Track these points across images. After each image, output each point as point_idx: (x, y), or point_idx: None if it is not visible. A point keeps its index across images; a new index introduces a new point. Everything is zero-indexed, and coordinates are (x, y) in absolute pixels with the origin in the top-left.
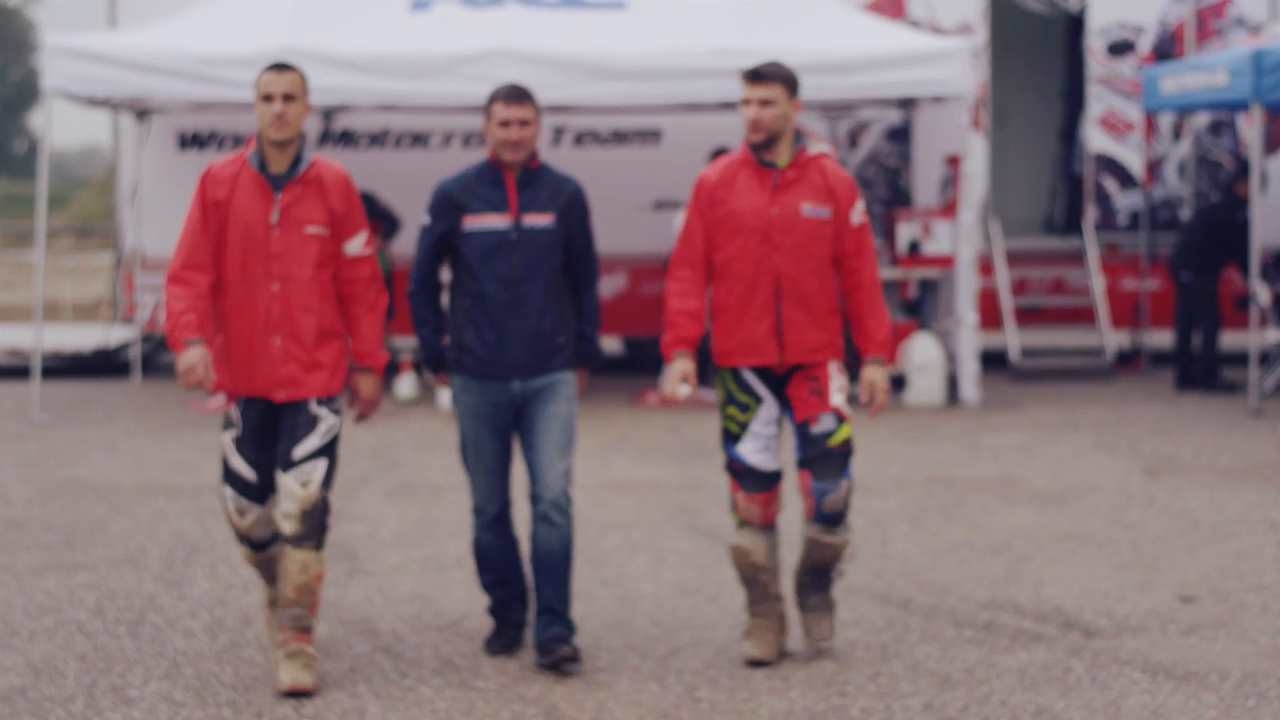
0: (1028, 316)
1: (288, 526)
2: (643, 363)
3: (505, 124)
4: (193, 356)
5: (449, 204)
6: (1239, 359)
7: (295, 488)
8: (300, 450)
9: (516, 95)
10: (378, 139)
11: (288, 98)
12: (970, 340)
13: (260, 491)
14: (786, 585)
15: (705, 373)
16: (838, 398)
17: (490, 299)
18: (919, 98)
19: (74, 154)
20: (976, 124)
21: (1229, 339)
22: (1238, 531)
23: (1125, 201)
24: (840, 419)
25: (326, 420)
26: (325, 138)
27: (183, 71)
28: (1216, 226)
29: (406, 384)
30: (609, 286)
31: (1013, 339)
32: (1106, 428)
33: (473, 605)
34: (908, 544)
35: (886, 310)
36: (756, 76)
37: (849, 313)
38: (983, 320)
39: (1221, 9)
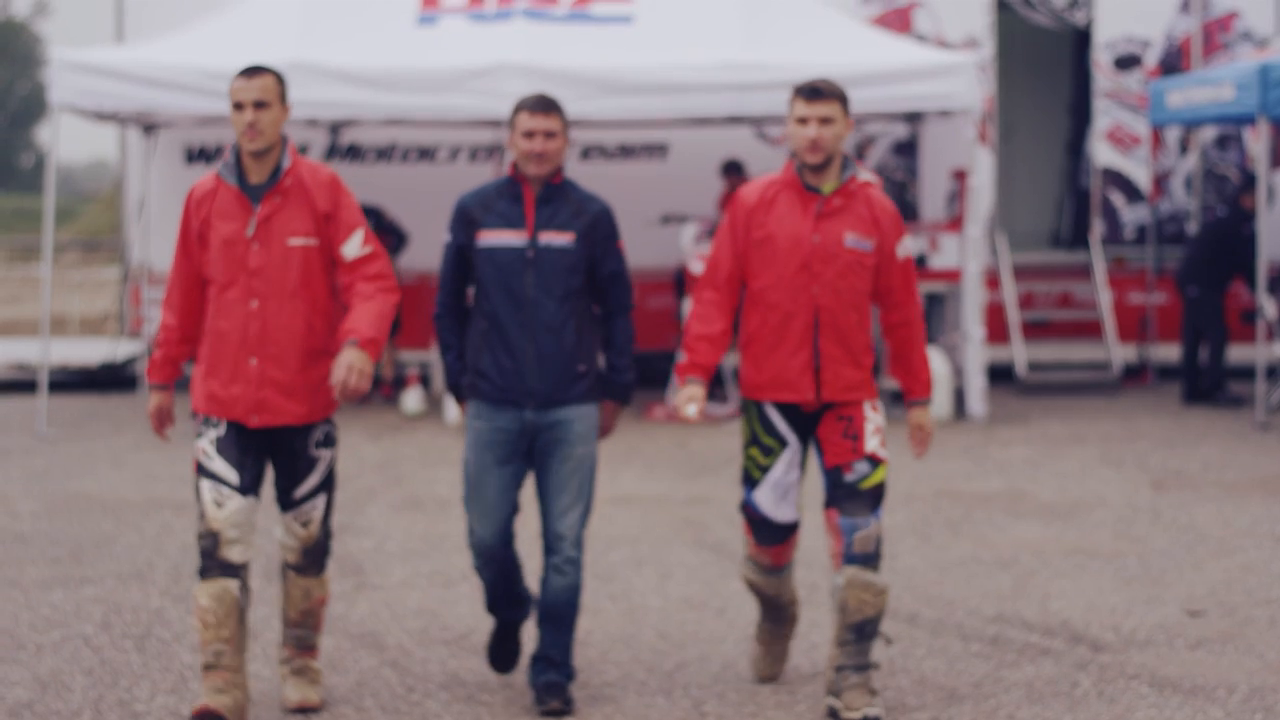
0: (1034, 330)
1: (291, 557)
2: (649, 377)
3: (529, 135)
4: (149, 405)
5: (465, 218)
6: (1245, 373)
7: (297, 528)
8: (302, 490)
9: (543, 105)
10: (385, 153)
11: (260, 105)
12: (977, 354)
13: (243, 487)
14: (799, 588)
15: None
16: (873, 442)
17: (503, 320)
18: (925, 112)
19: (81, 168)
20: (983, 138)
21: (1235, 353)
22: (1245, 545)
23: (1132, 215)
24: (875, 462)
25: (325, 458)
26: (332, 152)
27: (190, 86)
28: (1223, 240)
29: (414, 398)
30: None
31: (1019, 353)
32: (1113, 442)
33: (479, 620)
34: (915, 558)
35: (926, 349)
36: (815, 94)
37: (893, 350)
38: (989, 334)
39: (1228, 23)
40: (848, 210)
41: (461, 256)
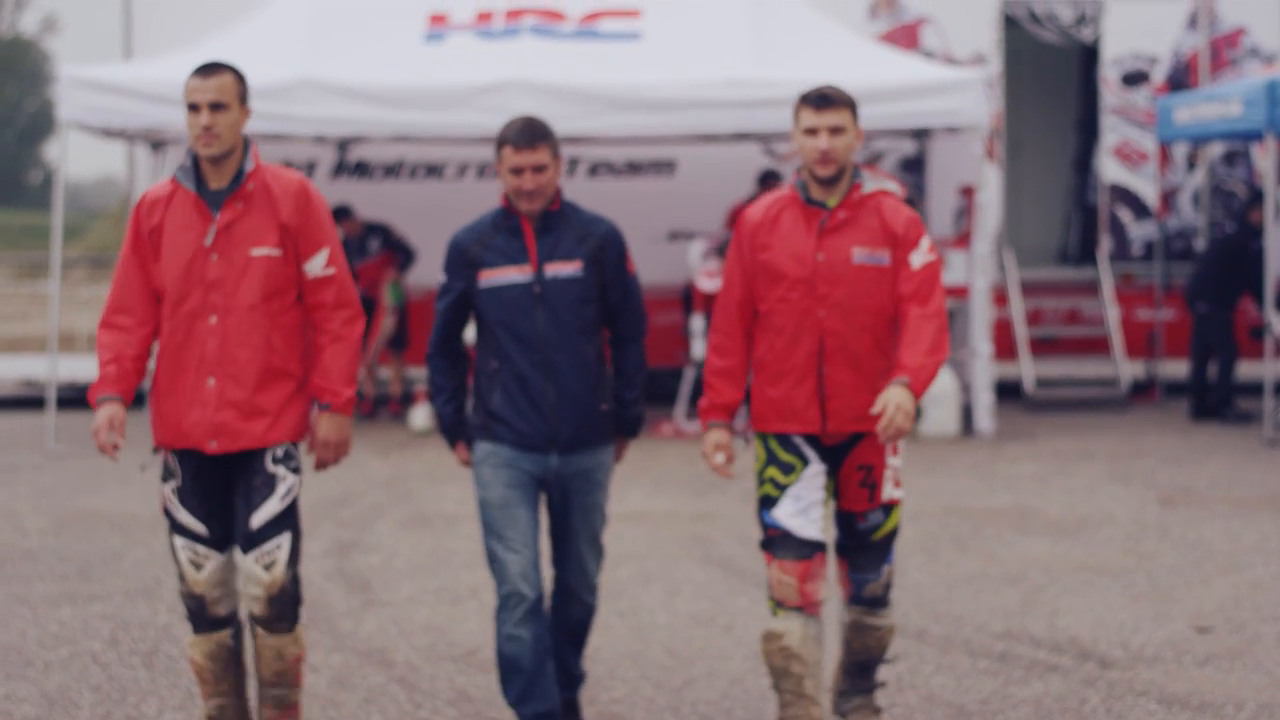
0: (1042, 347)
1: (256, 608)
2: (658, 393)
3: (517, 172)
4: (99, 417)
5: (463, 260)
6: (1254, 389)
7: (259, 572)
8: (259, 518)
9: (529, 138)
10: (392, 170)
11: (216, 106)
12: (985, 371)
13: (217, 543)
14: (826, 701)
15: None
16: (889, 489)
17: (517, 363)
18: (933, 128)
19: (89, 185)
20: (991, 154)
21: (1243, 369)
22: (1253, 562)
23: (1140, 232)
24: (889, 509)
25: (285, 480)
26: (340, 169)
27: None
28: (1232, 257)
29: (421, 415)
30: None
31: (1027, 369)
32: (1121, 458)
33: (487, 636)
34: (923, 574)
35: (940, 345)
36: (824, 101)
37: (902, 334)
38: (997, 351)
39: (1235, 39)
40: (855, 223)
41: (462, 301)
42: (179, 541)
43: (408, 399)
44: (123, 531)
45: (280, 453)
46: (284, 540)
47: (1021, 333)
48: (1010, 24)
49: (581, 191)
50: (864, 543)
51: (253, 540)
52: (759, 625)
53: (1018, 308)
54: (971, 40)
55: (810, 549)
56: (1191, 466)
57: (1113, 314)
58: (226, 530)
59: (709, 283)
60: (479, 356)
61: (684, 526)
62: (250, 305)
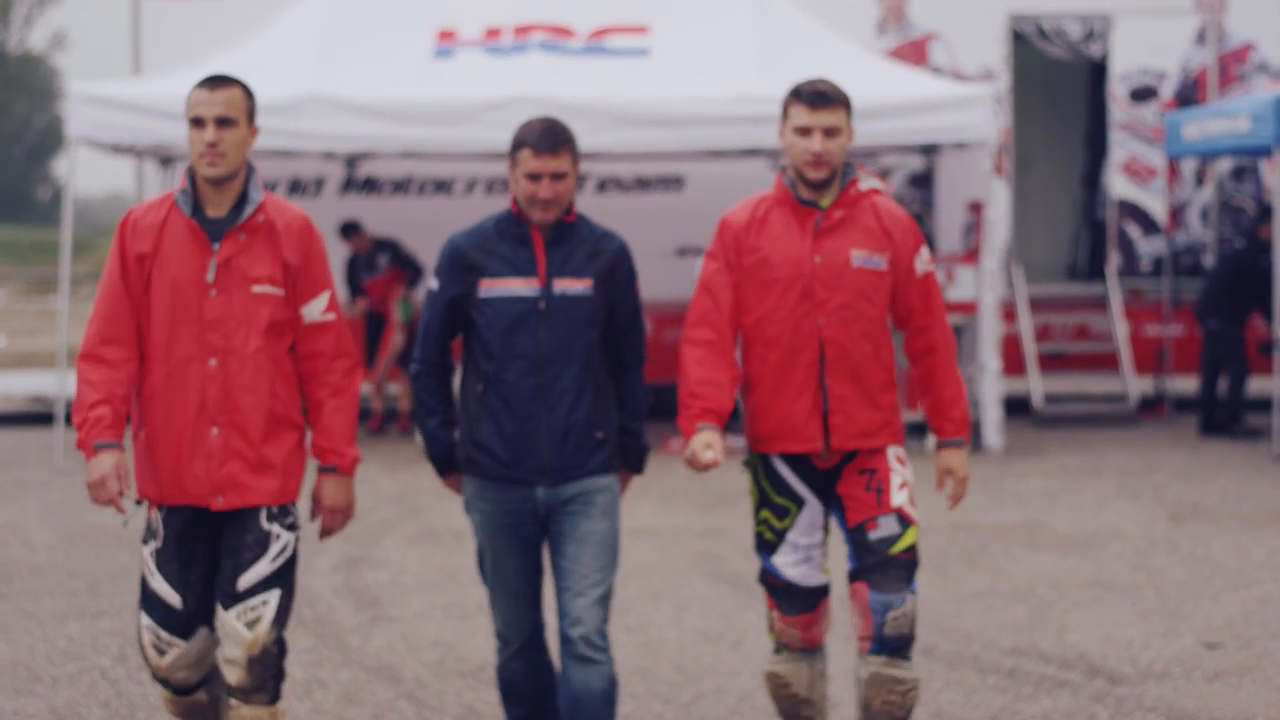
0: (1051, 362)
1: (233, 675)
2: (666, 409)
3: (534, 178)
4: (103, 466)
5: (462, 264)
6: (1262, 405)
7: (240, 629)
8: (246, 579)
9: (551, 142)
10: (401, 186)
11: (223, 121)
12: (993, 386)
13: (187, 622)
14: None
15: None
16: (900, 496)
17: (511, 384)
18: (941, 144)
19: (98, 201)
20: (999, 170)
21: (1253, 385)
22: (1262, 578)
23: (1148, 247)
24: (905, 521)
25: (280, 539)
26: (349, 184)
27: None
28: (1242, 273)
29: None
30: None
31: (1036, 385)
32: (1130, 474)
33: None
34: (931, 590)
35: (962, 379)
36: (820, 99)
37: (920, 381)
38: (1006, 366)
39: (1244, 55)
40: (852, 223)
41: (454, 309)
42: (144, 621)
43: (416, 415)
44: (131, 547)
45: (276, 508)
46: (271, 597)
47: (1030, 348)
48: (1018, 40)
49: (590, 207)
50: (882, 559)
51: (237, 597)
52: (767, 642)
53: (1026, 323)
54: (980, 56)
55: (815, 599)
56: (1200, 482)
57: (1121, 329)
58: (199, 606)
59: None
60: (465, 380)
61: (692, 542)
62: (255, 348)
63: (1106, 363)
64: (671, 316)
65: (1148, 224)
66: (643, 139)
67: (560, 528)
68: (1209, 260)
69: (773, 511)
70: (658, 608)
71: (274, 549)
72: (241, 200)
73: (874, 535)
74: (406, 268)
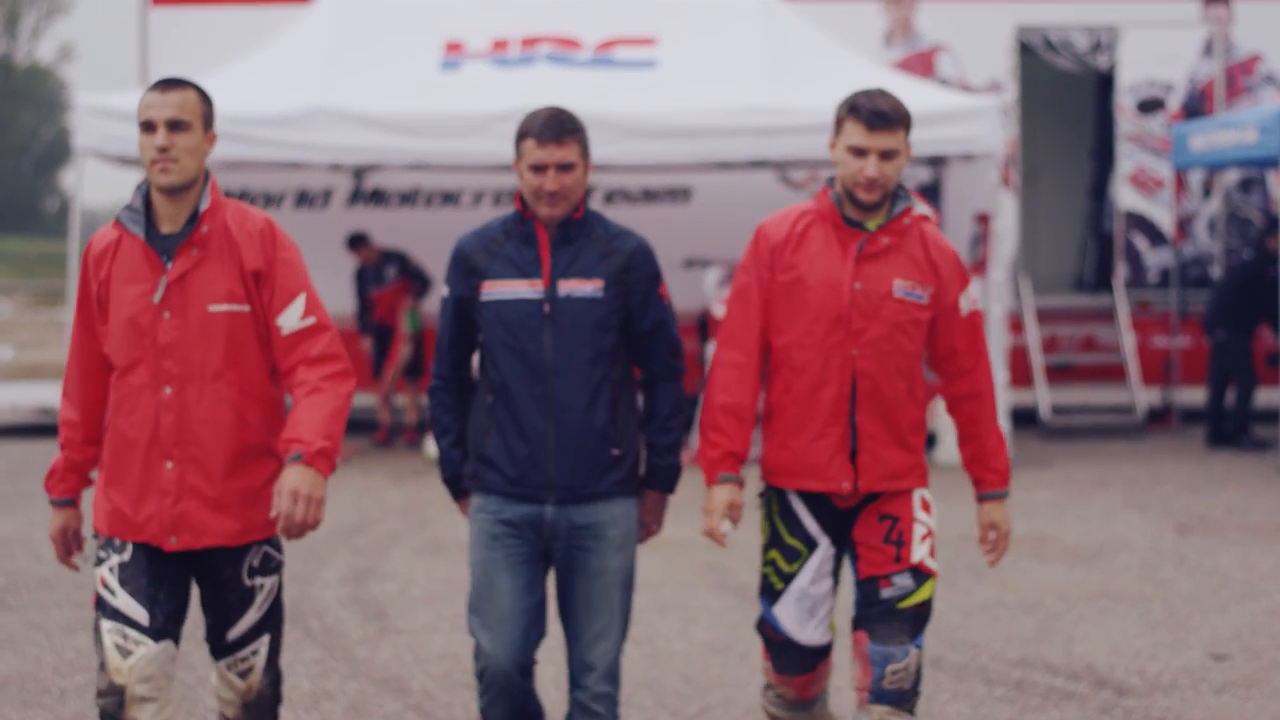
0: (1058, 374)
1: (228, 712)
2: None
3: (539, 169)
4: (53, 526)
5: (465, 266)
6: (1270, 416)
7: (234, 679)
8: (236, 631)
9: (556, 130)
10: (408, 198)
11: (176, 125)
12: (1001, 398)
13: (158, 630)
14: None
15: None
16: (921, 549)
17: (514, 392)
18: (949, 156)
19: (105, 213)
20: (1006, 182)
21: (1260, 396)
22: (1269, 589)
23: (1155, 259)
24: (922, 576)
25: (264, 589)
26: (356, 196)
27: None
28: (1249, 284)
29: None
30: None
31: (1043, 397)
32: (1137, 485)
33: None
34: (939, 602)
35: (1000, 427)
36: (881, 120)
37: (960, 429)
38: (1013, 378)
39: (1251, 66)
40: (898, 251)
41: (463, 312)
42: (106, 625)
43: (423, 426)
44: None
45: (258, 561)
46: (261, 645)
47: (1037, 360)
48: (1026, 51)
49: None
50: (888, 609)
51: (227, 649)
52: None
53: (1033, 335)
54: (987, 68)
55: (814, 659)
56: (1208, 494)
57: (1128, 341)
58: (171, 619)
59: (724, 310)
60: (477, 392)
61: (699, 554)
62: (214, 373)
63: (1114, 374)
64: (680, 328)
65: (1155, 235)
66: (650, 151)
67: (569, 561)
68: (1216, 272)
69: (782, 553)
70: (665, 619)
71: (260, 598)
72: (195, 212)
73: (886, 594)
74: (414, 279)
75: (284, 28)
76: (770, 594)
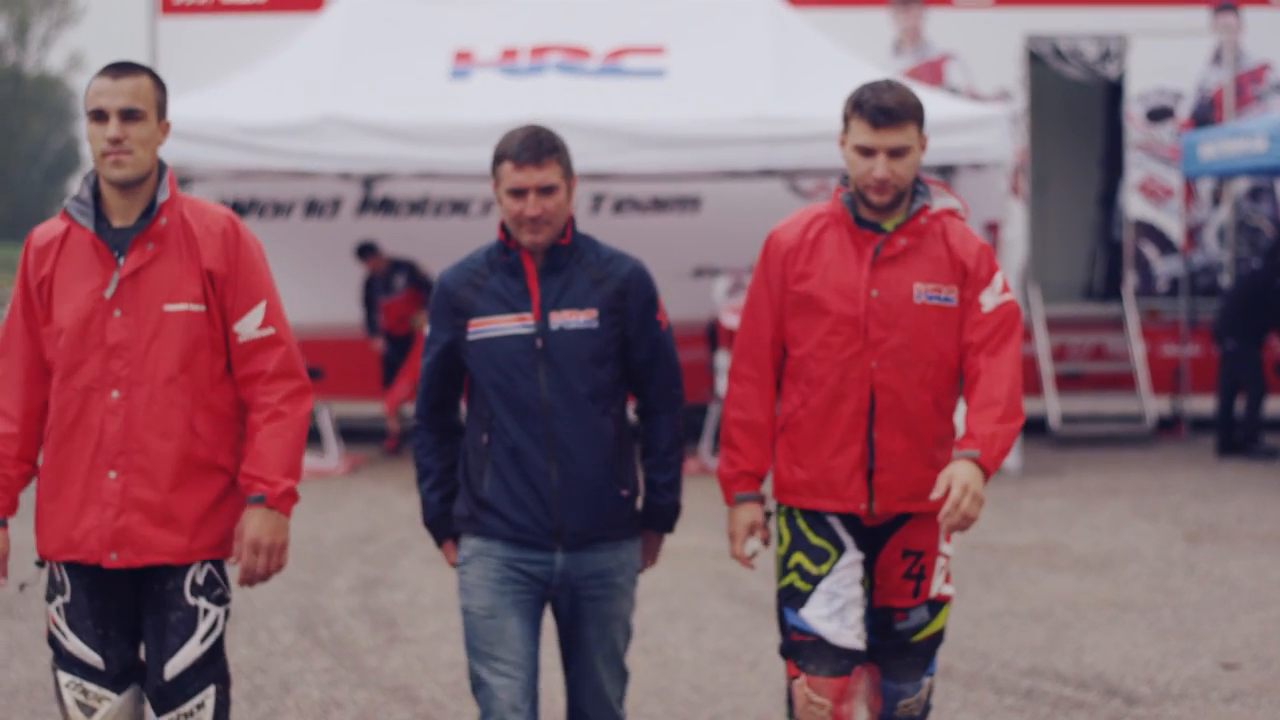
0: (1068, 383)
1: None
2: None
3: (518, 194)
4: None
5: (449, 305)
6: (1279, 425)
7: None
8: (175, 665)
9: (534, 152)
10: (418, 207)
11: (129, 114)
12: None
13: (116, 677)
14: None
15: None
16: (939, 581)
17: (512, 434)
18: (958, 164)
19: None
20: (1015, 190)
21: (1270, 405)
22: (1279, 598)
23: (1165, 267)
24: (938, 606)
25: (209, 616)
26: (365, 205)
27: (223, 140)
28: (1260, 293)
29: None
30: None
31: (1053, 405)
32: (1147, 494)
33: None
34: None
35: (1016, 409)
36: (886, 117)
37: (966, 384)
38: (1023, 387)
39: (1260, 75)
40: (917, 252)
41: (449, 358)
42: (64, 678)
43: None
44: None
45: (201, 578)
46: (207, 698)
47: (1047, 369)
48: (1035, 60)
49: (607, 228)
50: (901, 643)
51: (167, 698)
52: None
53: (1043, 344)
54: (996, 76)
55: (848, 661)
56: (1218, 502)
57: (1138, 350)
58: (128, 661)
59: (733, 319)
60: (469, 429)
61: (708, 563)
62: (167, 377)
63: (1123, 383)
64: (689, 337)
65: (1164, 244)
66: (659, 160)
67: (577, 610)
68: (1226, 280)
69: (808, 555)
70: (674, 628)
71: (202, 627)
72: (152, 206)
73: (900, 626)
74: (423, 288)
75: (293, 37)
76: (795, 600)
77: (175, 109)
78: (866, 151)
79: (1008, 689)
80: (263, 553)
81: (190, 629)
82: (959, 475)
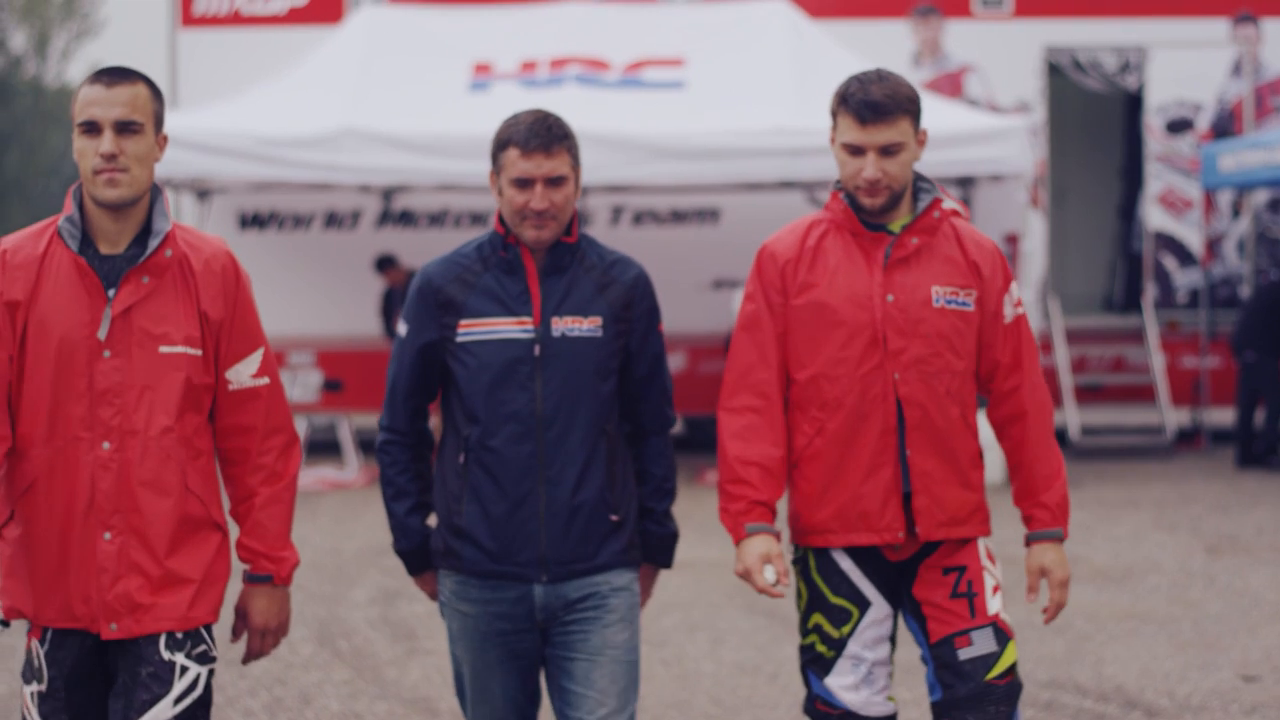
0: (1087, 395)
1: None
2: (702, 441)
3: (524, 183)
4: None
5: (434, 301)
6: None
7: None
8: None
9: (543, 139)
10: (437, 219)
11: (125, 127)
12: None
13: None
14: None
15: None
16: (996, 603)
17: (500, 454)
18: (977, 176)
19: None
20: (1035, 202)
21: None
22: None
23: (1184, 279)
24: (1004, 636)
25: (188, 674)
26: (385, 217)
27: (243, 152)
28: (1278, 304)
29: None
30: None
31: (1073, 417)
32: (1167, 506)
33: None
34: None
35: (1060, 453)
36: (874, 112)
37: (1009, 457)
38: None
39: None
40: (931, 253)
41: (427, 360)
42: None
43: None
44: None
45: (180, 634)
46: None
47: (1066, 380)
48: (1054, 72)
49: (626, 240)
50: (980, 689)
51: None
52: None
53: (1063, 355)
54: (1015, 88)
55: None
56: (1238, 514)
57: (1158, 361)
58: None
59: None
60: (442, 449)
61: (728, 575)
62: (162, 428)
63: (1143, 395)
64: (708, 349)
65: (1184, 256)
66: (678, 171)
67: (566, 640)
68: (1245, 292)
69: (828, 617)
70: (694, 640)
71: (179, 686)
72: (145, 232)
73: (966, 654)
74: None
75: (313, 49)
76: (819, 665)
77: (195, 121)
78: (855, 150)
79: (1028, 701)
80: (270, 635)
81: (164, 686)
82: (1052, 569)
